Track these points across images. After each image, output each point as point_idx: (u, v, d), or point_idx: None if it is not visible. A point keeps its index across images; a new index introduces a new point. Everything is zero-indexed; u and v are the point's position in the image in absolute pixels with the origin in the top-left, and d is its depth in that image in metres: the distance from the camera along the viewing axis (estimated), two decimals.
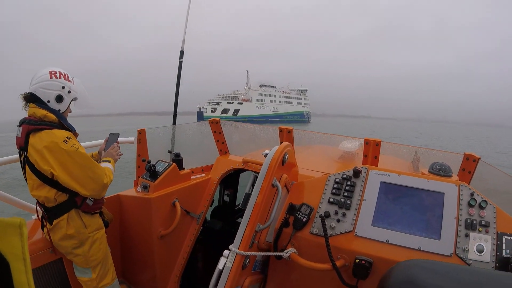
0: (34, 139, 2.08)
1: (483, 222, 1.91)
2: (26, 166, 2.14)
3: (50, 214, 2.19)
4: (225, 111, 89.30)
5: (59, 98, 2.20)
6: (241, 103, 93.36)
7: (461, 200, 2.00)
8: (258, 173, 1.95)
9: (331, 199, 2.13)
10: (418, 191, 2.07)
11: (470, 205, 1.97)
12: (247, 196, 3.85)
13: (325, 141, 4.07)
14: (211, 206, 3.28)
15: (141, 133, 3.02)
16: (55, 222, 2.18)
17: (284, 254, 1.94)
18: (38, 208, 2.30)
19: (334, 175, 2.24)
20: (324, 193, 2.18)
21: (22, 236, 0.60)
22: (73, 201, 2.20)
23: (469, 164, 2.44)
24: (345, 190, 2.15)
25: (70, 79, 2.27)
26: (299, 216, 2.07)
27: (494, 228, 1.89)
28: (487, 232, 1.87)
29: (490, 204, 1.97)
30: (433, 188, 2.06)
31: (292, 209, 2.11)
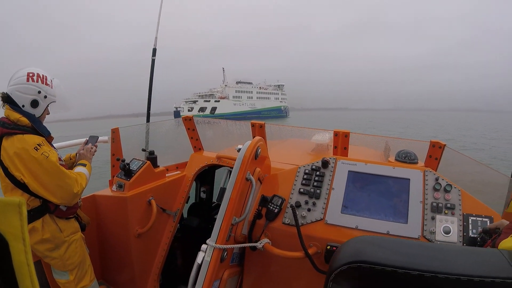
0: (6, 143, 2.05)
1: (448, 205, 1.99)
2: (0, 168, 2.11)
3: None
4: (202, 109, 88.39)
5: (34, 103, 2.14)
6: (218, 101, 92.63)
7: (427, 185, 2.08)
8: (232, 168, 2.00)
9: (302, 190, 2.21)
10: (385, 178, 2.16)
11: (435, 189, 2.06)
12: (222, 191, 3.93)
13: (296, 134, 4.20)
14: (187, 203, 3.31)
15: (115, 132, 3.01)
16: (30, 226, 2.14)
17: (258, 244, 2.00)
18: None
19: (304, 166, 2.32)
20: (295, 184, 2.25)
21: (22, 215, 0.59)
22: (46, 207, 2.18)
23: (436, 150, 2.50)
24: (315, 181, 2.22)
25: (48, 82, 2.20)
26: (271, 207, 2.13)
27: (460, 210, 1.97)
28: (453, 214, 1.96)
29: (455, 187, 2.06)
30: (399, 174, 2.15)
31: (264, 201, 2.17)
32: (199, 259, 1.75)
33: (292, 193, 2.22)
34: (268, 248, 2.00)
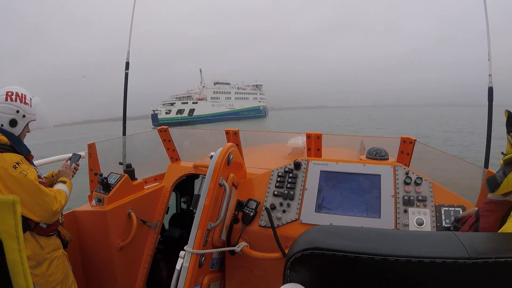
0: None
1: (420, 197, 2.04)
2: None
3: None
4: (180, 111, 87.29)
5: (13, 122, 2.16)
6: (196, 103, 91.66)
7: (397, 179, 2.14)
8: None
9: (276, 192, 2.26)
10: (356, 175, 2.22)
11: (406, 183, 2.12)
12: (197, 198, 3.79)
13: (271, 139, 4.33)
14: (167, 214, 3.34)
15: (91, 147, 3.03)
16: None
17: (236, 248, 2.06)
18: None
19: (277, 169, 2.38)
20: (269, 187, 2.31)
21: (16, 214, 0.59)
22: (26, 224, 2.18)
23: (407, 146, 2.55)
24: (288, 182, 2.28)
25: (27, 100, 2.22)
26: (247, 211, 2.19)
27: (432, 201, 2.02)
28: (425, 206, 2.01)
29: (426, 180, 2.12)
30: (370, 171, 2.22)
31: (240, 205, 2.23)
32: (178, 266, 1.80)
33: (267, 196, 2.27)
34: (246, 251, 2.06)
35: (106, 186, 2.75)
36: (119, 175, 2.88)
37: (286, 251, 1.95)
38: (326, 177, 2.27)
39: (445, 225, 1.91)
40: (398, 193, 2.09)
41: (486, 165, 3.17)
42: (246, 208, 2.21)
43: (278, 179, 2.33)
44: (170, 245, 3.40)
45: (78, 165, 2.67)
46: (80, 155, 2.74)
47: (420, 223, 1.95)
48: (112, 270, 2.81)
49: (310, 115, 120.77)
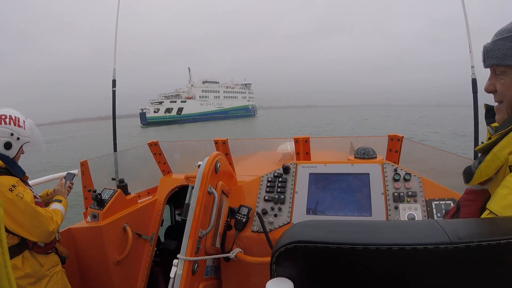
0: None
1: (410, 193, 2.05)
2: None
3: None
4: (168, 110, 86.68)
5: (8, 145, 2.20)
6: (185, 101, 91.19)
7: (386, 176, 2.16)
8: None
9: (266, 197, 2.29)
10: (345, 176, 2.24)
11: (395, 180, 2.13)
12: (187, 206, 3.89)
13: (260, 146, 4.34)
14: (162, 226, 3.37)
15: (84, 165, 3.07)
16: (11, 262, 2.30)
17: (231, 254, 2.07)
18: None
19: (267, 174, 2.42)
20: (259, 193, 2.34)
21: None
22: (24, 244, 2.23)
23: (394, 143, 2.55)
24: (278, 187, 2.31)
25: (21, 123, 2.26)
26: (239, 217, 2.22)
27: (422, 196, 2.03)
28: (415, 201, 2.02)
29: (415, 175, 2.13)
30: (358, 171, 2.24)
31: (232, 212, 2.26)
32: (172, 274, 1.83)
33: (258, 202, 2.30)
34: (241, 257, 2.07)
35: (100, 202, 2.79)
36: (112, 191, 2.91)
37: None
38: (316, 179, 2.29)
39: (437, 219, 1.97)
40: (387, 190, 2.11)
41: (476, 157, 3.18)
42: (238, 214, 2.24)
43: (268, 184, 2.36)
44: (167, 258, 3.39)
45: (72, 183, 2.72)
46: (74, 174, 2.79)
47: (412, 219, 1.96)
48: (110, 284, 2.85)
49: (300, 114, 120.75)
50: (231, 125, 64.80)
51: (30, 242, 2.25)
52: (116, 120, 4.23)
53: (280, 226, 2.17)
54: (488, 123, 1.20)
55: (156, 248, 3.27)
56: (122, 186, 3.12)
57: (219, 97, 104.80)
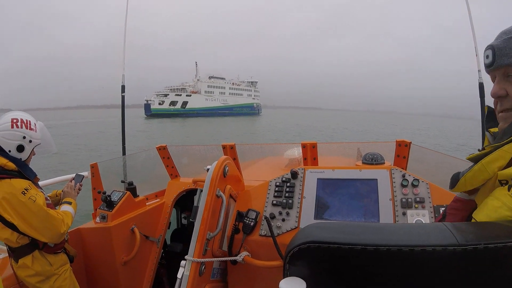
0: None
1: (418, 199, 2.04)
2: None
3: (15, 253, 2.28)
4: (173, 103, 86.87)
5: (20, 148, 2.24)
6: (190, 95, 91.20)
7: (394, 182, 2.15)
8: None
9: (275, 202, 2.31)
10: (353, 181, 2.24)
11: (403, 186, 2.12)
12: (195, 209, 3.81)
13: (267, 150, 4.39)
14: (169, 229, 3.43)
15: (94, 167, 3.12)
16: (20, 261, 2.26)
17: (238, 258, 2.09)
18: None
19: (275, 179, 2.44)
20: (268, 197, 2.36)
21: None
22: (35, 244, 2.28)
23: (402, 149, 2.54)
24: (286, 192, 2.33)
25: (32, 126, 2.30)
26: (247, 221, 2.24)
27: (430, 202, 2.02)
28: (423, 207, 2.01)
29: (423, 181, 2.12)
30: (366, 176, 2.24)
31: (240, 216, 2.28)
32: (179, 275, 1.85)
33: (266, 206, 2.32)
34: (248, 260, 2.09)
35: (109, 204, 2.83)
36: (121, 193, 2.95)
37: None
38: (323, 184, 2.30)
39: None
40: (395, 196, 2.11)
41: None
42: (246, 218, 2.25)
43: (276, 188, 2.38)
44: (172, 260, 3.45)
45: (81, 185, 2.76)
46: (83, 176, 2.83)
47: None
48: (117, 284, 2.89)
49: (305, 115, 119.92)
50: (235, 122, 64.70)
51: (41, 243, 2.29)
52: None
53: (287, 231, 2.18)
54: (487, 128, 1.14)
55: (162, 250, 3.32)
56: (131, 188, 3.18)
57: (224, 93, 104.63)
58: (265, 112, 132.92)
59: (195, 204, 4.04)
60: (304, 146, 2.73)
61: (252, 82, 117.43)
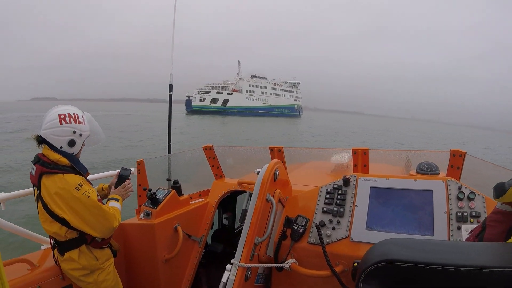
0: (47, 182, 2.14)
1: (473, 213, 1.95)
2: (39, 202, 2.20)
3: (61, 247, 2.27)
4: (214, 101, 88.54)
5: (71, 143, 2.23)
6: (231, 94, 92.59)
7: (450, 194, 2.06)
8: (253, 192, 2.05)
9: (325, 209, 2.24)
10: (407, 191, 2.15)
11: (459, 199, 2.03)
12: (244, 212, 3.93)
13: (315, 155, 4.29)
14: (211, 229, 3.38)
15: (140, 164, 3.14)
16: (66, 254, 2.26)
17: (285, 265, 2.03)
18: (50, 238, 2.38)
19: (326, 186, 2.35)
20: (318, 204, 2.28)
21: None
22: (83, 238, 2.28)
23: (457, 160, 2.46)
24: (337, 199, 2.25)
25: (80, 119, 2.28)
26: (296, 227, 2.16)
27: (485, 217, 1.92)
28: (478, 222, 1.90)
29: (479, 195, 2.02)
30: (421, 187, 2.14)
31: (288, 222, 2.20)
32: (224, 278, 1.79)
33: (315, 213, 2.25)
34: (295, 268, 2.02)
35: (154, 201, 2.85)
36: (167, 191, 2.96)
37: (336, 269, 1.91)
38: (377, 193, 2.21)
39: None
40: (451, 209, 2.01)
41: None
42: (295, 224, 2.18)
43: (327, 195, 2.30)
44: (212, 260, 3.47)
45: (129, 179, 2.71)
46: (131, 170, 2.78)
47: None
48: (156, 282, 2.89)
49: (347, 119, 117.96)
50: (274, 122, 64.63)
51: (89, 237, 2.31)
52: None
53: (338, 240, 2.10)
54: None
55: (203, 250, 3.32)
56: (176, 187, 3.19)
57: (265, 93, 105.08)
58: (306, 114, 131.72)
59: (243, 207, 3.99)
60: (355, 152, 2.67)
61: (294, 83, 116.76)
